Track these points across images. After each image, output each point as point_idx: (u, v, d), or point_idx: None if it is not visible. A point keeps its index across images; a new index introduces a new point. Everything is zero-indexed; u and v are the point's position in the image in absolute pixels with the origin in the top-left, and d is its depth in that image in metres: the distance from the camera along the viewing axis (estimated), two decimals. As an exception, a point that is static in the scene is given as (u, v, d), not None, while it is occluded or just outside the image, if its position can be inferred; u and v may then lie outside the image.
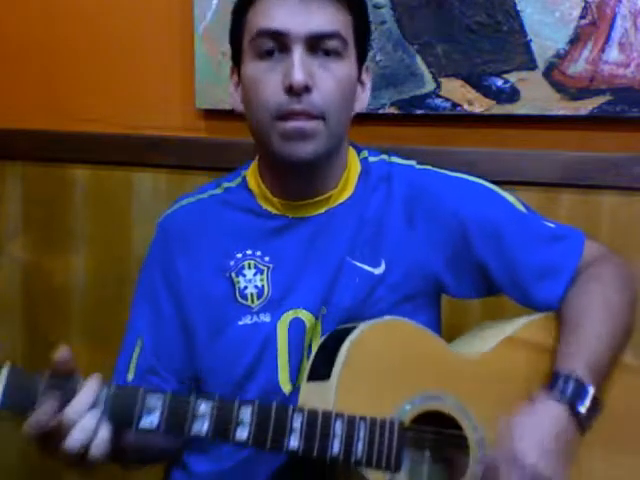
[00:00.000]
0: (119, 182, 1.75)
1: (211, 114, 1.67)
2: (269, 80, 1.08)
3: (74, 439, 0.91)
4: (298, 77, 1.05)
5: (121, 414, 0.94)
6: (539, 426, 1.02)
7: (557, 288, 1.16)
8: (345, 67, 1.10)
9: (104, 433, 0.93)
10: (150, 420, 0.94)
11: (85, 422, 0.92)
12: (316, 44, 1.07)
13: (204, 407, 0.96)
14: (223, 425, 0.96)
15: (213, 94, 1.62)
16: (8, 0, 1.78)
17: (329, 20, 1.08)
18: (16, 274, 1.86)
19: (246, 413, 0.97)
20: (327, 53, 1.08)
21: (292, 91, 1.05)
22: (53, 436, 0.92)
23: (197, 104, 1.67)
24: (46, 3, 1.76)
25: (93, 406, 0.93)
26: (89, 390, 0.93)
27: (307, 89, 1.06)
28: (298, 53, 1.06)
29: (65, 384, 0.93)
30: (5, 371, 0.91)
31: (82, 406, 0.92)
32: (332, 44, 1.08)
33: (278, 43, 1.07)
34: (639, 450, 1.13)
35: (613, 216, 1.49)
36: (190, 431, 0.95)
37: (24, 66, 1.79)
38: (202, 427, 0.95)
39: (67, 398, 0.92)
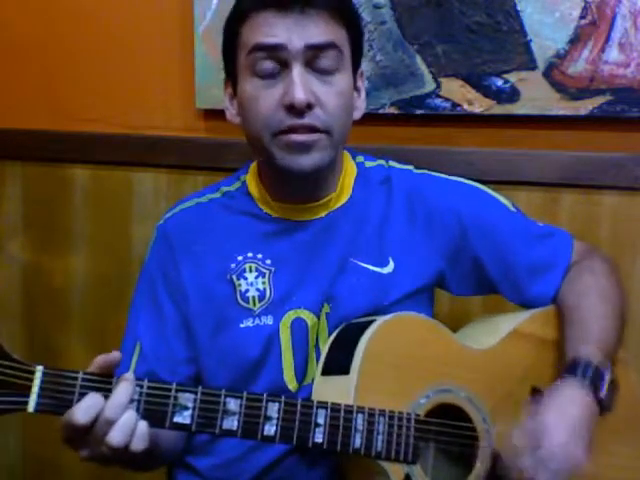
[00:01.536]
0: (119, 182, 1.75)
1: (211, 114, 1.67)
2: (268, 97, 1.07)
3: (117, 436, 0.92)
4: (299, 96, 1.04)
5: (155, 411, 0.95)
6: (568, 409, 1.03)
7: (551, 284, 1.21)
8: (344, 80, 1.11)
9: (143, 428, 0.94)
10: (182, 417, 0.96)
11: (125, 419, 0.93)
12: (313, 58, 1.08)
13: (233, 404, 0.97)
14: (252, 421, 0.98)
15: (213, 94, 1.62)
16: (8, 0, 1.78)
17: (324, 31, 1.07)
18: (16, 274, 1.86)
19: (273, 409, 0.98)
20: (325, 68, 1.08)
21: (293, 109, 1.05)
22: (91, 434, 0.93)
23: (197, 104, 1.67)
24: (46, 3, 1.76)
25: (129, 404, 0.94)
26: (125, 388, 0.94)
27: (309, 106, 1.06)
28: (297, 70, 1.06)
29: (100, 383, 0.94)
30: (39, 373, 0.92)
31: (121, 403, 0.93)
32: (329, 56, 1.08)
33: (276, 60, 1.07)
34: (627, 434, 1.16)
35: (613, 216, 1.49)
36: (222, 428, 0.97)
37: (24, 66, 1.79)
38: (232, 424, 0.97)
39: (104, 396, 0.93)
